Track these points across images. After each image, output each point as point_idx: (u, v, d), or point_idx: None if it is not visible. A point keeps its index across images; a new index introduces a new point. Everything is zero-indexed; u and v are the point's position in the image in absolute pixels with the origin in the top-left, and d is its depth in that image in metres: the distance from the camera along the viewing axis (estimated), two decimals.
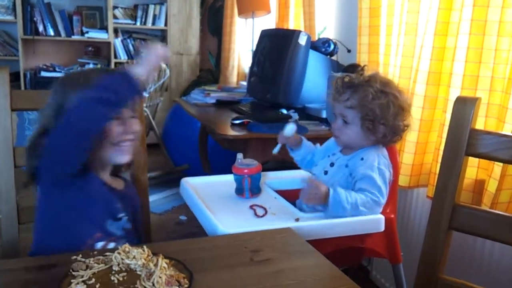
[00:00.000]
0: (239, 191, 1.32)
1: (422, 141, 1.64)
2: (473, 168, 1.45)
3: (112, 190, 1.11)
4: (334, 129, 1.34)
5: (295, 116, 2.13)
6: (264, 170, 1.40)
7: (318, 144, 1.49)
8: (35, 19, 4.19)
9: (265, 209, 1.24)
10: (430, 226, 1.03)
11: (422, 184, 1.67)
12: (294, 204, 1.32)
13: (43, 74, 4.26)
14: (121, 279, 0.77)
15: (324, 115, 2.07)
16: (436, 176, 1.14)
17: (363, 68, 1.32)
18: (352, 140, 1.31)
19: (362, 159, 1.29)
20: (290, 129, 1.43)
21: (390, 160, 1.34)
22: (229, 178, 1.35)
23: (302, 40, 2.20)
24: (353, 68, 1.97)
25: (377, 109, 1.24)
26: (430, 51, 1.59)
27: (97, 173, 1.09)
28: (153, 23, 4.50)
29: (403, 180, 1.66)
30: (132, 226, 1.13)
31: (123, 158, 1.09)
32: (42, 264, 0.83)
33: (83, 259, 0.81)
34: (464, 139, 1.01)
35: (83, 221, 1.04)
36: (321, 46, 2.33)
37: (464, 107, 1.01)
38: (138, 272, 0.79)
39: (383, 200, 1.25)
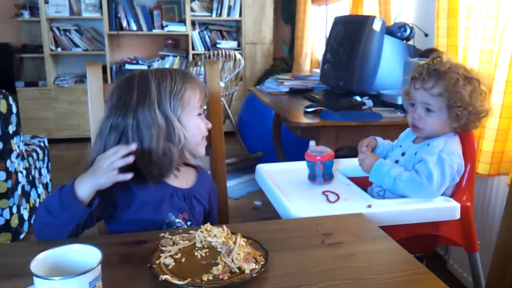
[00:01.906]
0: (312, 177, 1.36)
1: (504, 128, 1.58)
2: None
3: (174, 191, 1.09)
4: (414, 119, 1.32)
5: (369, 103, 2.12)
6: (336, 157, 1.42)
7: (390, 142, 1.49)
8: (119, 15, 4.48)
9: (337, 195, 1.27)
10: (506, 214, 1.00)
11: (503, 172, 1.61)
12: (366, 191, 1.34)
13: (127, 66, 4.56)
14: (203, 254, 0.86)
15: (399, 101, 2.04)
16: None
17: (439, 55, 1.30)
18: (435, 128, 1.30)
19: (428, 145, 1.30)
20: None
21: (467, 147, 1.32)
22: (302, 165, 1.39)
23: (377, 26, 2.17)
24: (431, 52, 1.92)
25: (466, 95, 1.23)
26: None
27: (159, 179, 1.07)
28: (228, 14, 4.61)
29: (482, 168, 1.61)
30: (203, 219, 1.15)
31: (204, 150, 1.14)
32: (136, 240, 0.93)
33: (170, 236, 0.91)
34: None
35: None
36: (397, 31, 2.28)
37: None
38: (219, 249, 0.86)
39: (430, 185, 1.22)
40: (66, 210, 0.91)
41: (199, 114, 1.12)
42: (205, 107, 1.15)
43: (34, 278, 0.64)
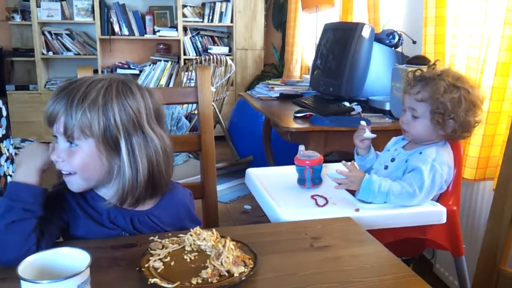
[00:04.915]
0: (301, 181, 1.37)
1: (489, 134, 1.61)
2: None
3: (117, 213, 0.98)
4: (403, 123, 1.34)
5: (358, 108, 2.14)
6: (325, 161, 1.44)
7: (378, 152, 1.50)
8: (111, 20, 4.47)
9: (326, 199, 1.28)
10: (492, 218, 1.02)
11: (488, 177, 1.64)
12: (354, 195, 1.35)
13: (119, 71, 4.55)
14: (193, 258, 0.86)
15: (387, 107, 2.06)
16: None
17: (435, 63, 1.32)
18: (420, 134, 1.31)
19: (420, 153, 1.31)
20: (368, 133, 1.41)
21: (454, 153, 1.34)
22: (291, 169, 1.40)
23: (366, 33, 2.19)
24: (418, 60, 1.95)
25: (448, 103, 1.24)
26: (499, 41, 1.55)
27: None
28: (220, 20, 4.63)
29: (468, 173, 1.63)
30: None
31: (69, 185, 0.94)
32: (125, 243, 0.93)
33: (159, 240, 0.91)
34: None
35: None
36: (386, 38, 2.32)
37: None
38: (208, 252, 0.87)
39: (421, 194, 1.24)
40: (17, 199, 0.86)
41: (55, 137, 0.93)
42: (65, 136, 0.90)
43: (22, 281, 0.64)
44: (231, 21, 4.62)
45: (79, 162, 0.90)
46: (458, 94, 1.24)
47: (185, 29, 4.63)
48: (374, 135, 1.41)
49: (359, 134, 1.42)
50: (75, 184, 0.94)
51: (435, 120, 1.26)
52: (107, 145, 0.90)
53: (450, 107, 1.24)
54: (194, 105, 1.30)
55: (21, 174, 0.90)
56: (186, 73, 3.91)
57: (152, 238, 0.92)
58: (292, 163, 1.39)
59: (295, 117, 2.03)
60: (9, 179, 2.40)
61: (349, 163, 1.30)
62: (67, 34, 4.53)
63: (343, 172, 1.28)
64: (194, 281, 0.77)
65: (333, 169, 1.51)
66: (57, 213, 0.95)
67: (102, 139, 0.89)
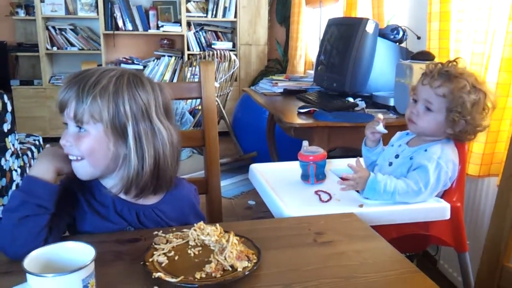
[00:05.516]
0: (305, 177, 1.37)
1: (494, 130, 1.60)
2: None
3: (123, 206, 0.99)
4: (412, 114, 1.32)
5: (362, 104, 2.14)
6: (329, 157, 1.44)
7: (385, 147, 1.50)
8: (115, 15, 4.48)
9: (329, 194, 1.28)
10: (496, 214, 1.02)
11: (493, 173, 1.63)
12: (358, 191, 1.35)
13: (123, 66, 4.55)
14: (196, 252, 0.86)
15: (391, 103, 2.06)
16: None
17: (456, 60, 1.31)
18: (428, 128, 1.30)
19: (425, 150, 1.30)
20: (381, 127, 1.40)
21: (458, 149, 1.33)
22: (295, 165, 1.40)
23: (370, 28, 2.19)
24: (423, 55, 1.94)
25: (468, 103, 1.23)
26: (503, 36, 1.54)
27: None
28: (224, 15, 4.62)
29: (472, 169, 1.63)
30: None
31: (77, 174, 0.95)
32: (129, 238, 0.93)
33: (163, 234, 0.91)
34: None
35: None
36: (390, 33, 2.31)
37: None
38: (212, 247, 0.87)
39: (426, 191, 1.24)
40: (32, 195, 0.87)
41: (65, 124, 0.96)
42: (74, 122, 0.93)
43: (28, 275, 0.64)
44: (235, 16, 4.62)
45: (87, 146, 0.92)
46: (478, 96, 1.24)
47: (188, 24, 4.62)
48: (385, 131, 1.41)
49: (372, 126, 1.42)
50: (83, 170, 0.94)
51: (450, 118, 1.25)
52: (115, 131, 0.92)
53: (469, 108, 1.23)
54: (198, 100, 1.30)
55: (38, 170, 0.91)
56: (190, 68, 3.91)
57: (156, 232, 0.93)
58: (296, 159, 1.39)
59: (299, 113, 2.03)
60: (14, 174, 2.42)
61: (354, 160, 1.30)
62: (71, 29, 4.54)
63: (349, 176, 1.27)
64: (198, 275, 0.78)
65: (337, 165, 1.51)
66: (65, 208, 0.96)
67: (111, 125, 0.91)
